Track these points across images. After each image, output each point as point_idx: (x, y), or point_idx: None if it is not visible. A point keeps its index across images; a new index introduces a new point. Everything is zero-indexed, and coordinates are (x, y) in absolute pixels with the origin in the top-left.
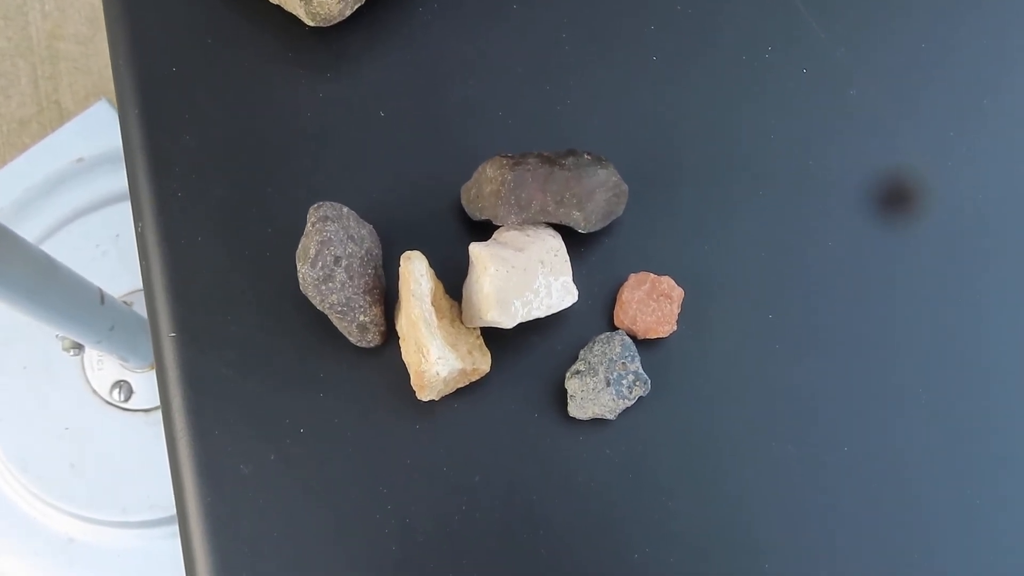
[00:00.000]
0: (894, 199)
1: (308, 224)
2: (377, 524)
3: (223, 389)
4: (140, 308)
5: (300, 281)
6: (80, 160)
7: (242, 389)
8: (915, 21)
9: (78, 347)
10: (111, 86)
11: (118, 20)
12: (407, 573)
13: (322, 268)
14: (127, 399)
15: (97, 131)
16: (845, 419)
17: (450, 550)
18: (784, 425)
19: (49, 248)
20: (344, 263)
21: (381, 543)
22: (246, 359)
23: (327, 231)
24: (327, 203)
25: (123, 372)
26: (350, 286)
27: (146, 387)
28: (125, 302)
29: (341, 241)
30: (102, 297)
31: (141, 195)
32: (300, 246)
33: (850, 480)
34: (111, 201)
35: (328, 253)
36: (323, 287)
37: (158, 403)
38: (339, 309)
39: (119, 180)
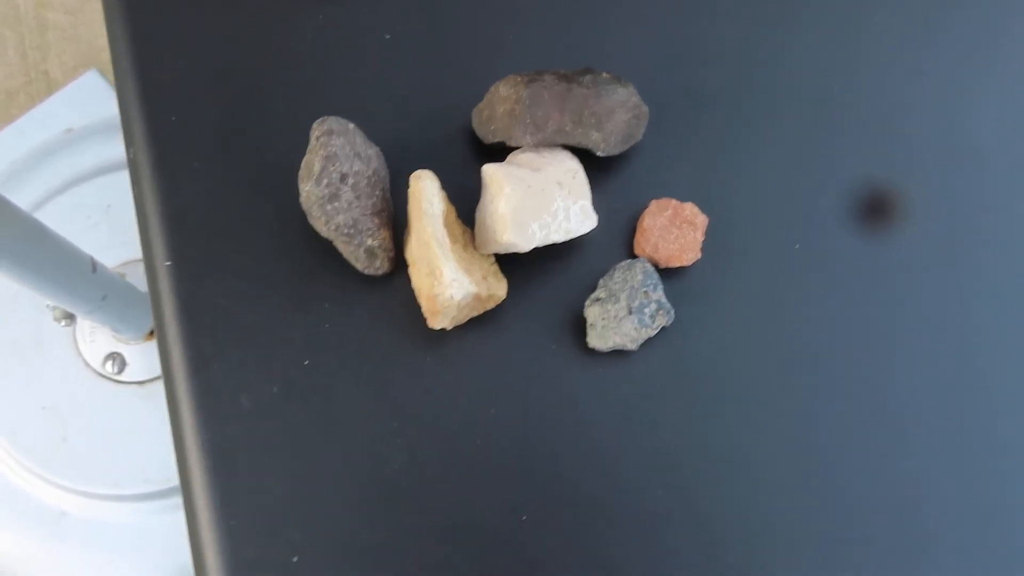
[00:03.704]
0: (930, 126)
1: (312, 139)
2: (386, 459)
3: (221, 319)
4: (133, 279)
5: (303, 201)
6: (69, 131)
7: (242, 319)
8: None
9: (70, 317)
10: (101, 56)
11: None
12: (417, 510)
13: (327, 186)
14: (120, 371)
15: (87, 101)
16: (873, 353)
17: (462, 486)
18: (811, 357)
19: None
20: (351, 181)
21: (390, 479)
22: (245, 288)
23: (332, 145)
24: (332, 117)
25: (116, 344)
26: (357, 206)
27: (140, 359)
28: (118, 273)
29: (347, 157)
30: (94, 265)
31: (132, 119)
32: (303, 163)
33: (874, 415)
34: (101, 172)
35: (334, 169)
36: (328, 207)
37: (152, 375)
38: (345, 231)
39: (109, 150)
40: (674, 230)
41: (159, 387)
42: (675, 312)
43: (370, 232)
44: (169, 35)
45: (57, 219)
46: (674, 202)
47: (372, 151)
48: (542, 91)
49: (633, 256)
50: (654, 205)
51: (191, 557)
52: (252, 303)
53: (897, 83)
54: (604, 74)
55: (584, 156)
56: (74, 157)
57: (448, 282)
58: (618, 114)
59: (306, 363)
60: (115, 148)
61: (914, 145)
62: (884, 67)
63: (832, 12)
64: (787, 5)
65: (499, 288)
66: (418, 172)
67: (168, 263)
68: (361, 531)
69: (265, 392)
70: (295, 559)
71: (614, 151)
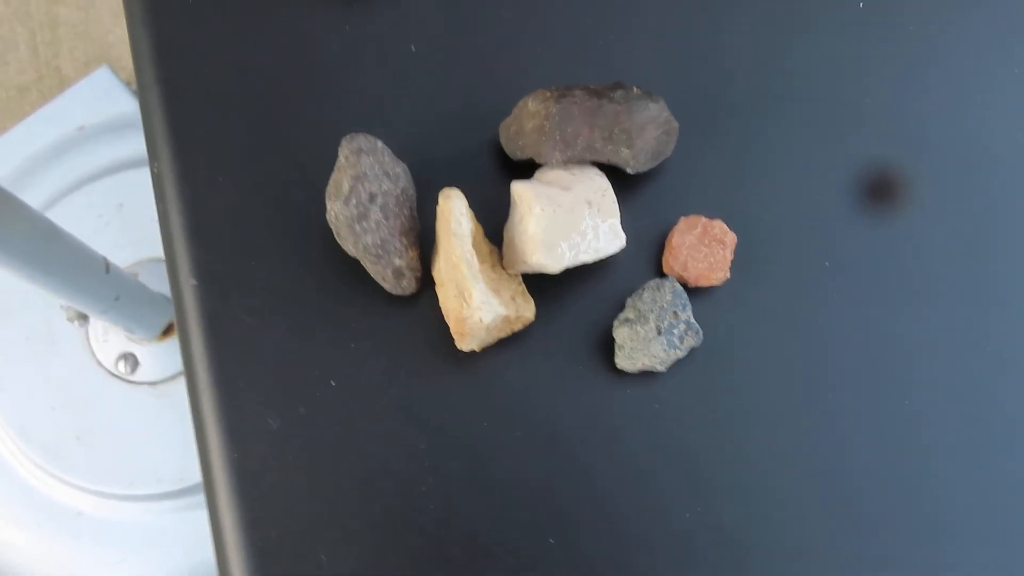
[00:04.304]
0: (967, 138)
1: (340, 157)
2: (413, 481)
3: (248, 339)
4: (146, 279)
5: (332, 221)
6: (81, 128)
7: (268, 339)
8: None
9: (83, 318)
10: (112, 52)
11: None
12: (445, 532)
13: (356, 206)
14: (133, 371)
15: (98, 99)
16: (906, 374)
17: (489, 508)
18: (842, 379)
19: (50, 218)
20: (380, 201)
21: (417, 501)
22: (272, 307)
23: (362, 165)
24: (361, 134)
25: (129, 344)
26: (385, 226)
27: (152, 359)
28: (131, 272)
29: (376, 176)
30: (107, 266)
31: (156, 133)
32: (331, 182)
33: (908, 438)
34: (113, 170)
35: (363, 189)
36: (356, 227)
37: (164, 376)
38: (373, 252)
39: (121, 148)
40: (703, 248)
41: (171, 388)
42: (704, 333)
43: (398, 252)
44: (193, 47)
45: (69, 217)
46: (703, 219)
47: (400, 168)
48: (572, 107)
49: (661, 275)
50: (683, 222)
51: None
52: (278, 322)
53: (932, 101)
54: (635, 89)
55: (611, 172)
56: (86, 155)
57: (477, 305)
58: (649, 130)
59: (332, 384)
60: (127, 146)
61: (946, 166)
62: (918, 85)
63: (866, 30)
64: (818, 23)
65: (527, 309)
66: (446, 191)
67: (193, 282)
68: (388, 553)
69: (292, 412)
70: None
71: (643, 168)
